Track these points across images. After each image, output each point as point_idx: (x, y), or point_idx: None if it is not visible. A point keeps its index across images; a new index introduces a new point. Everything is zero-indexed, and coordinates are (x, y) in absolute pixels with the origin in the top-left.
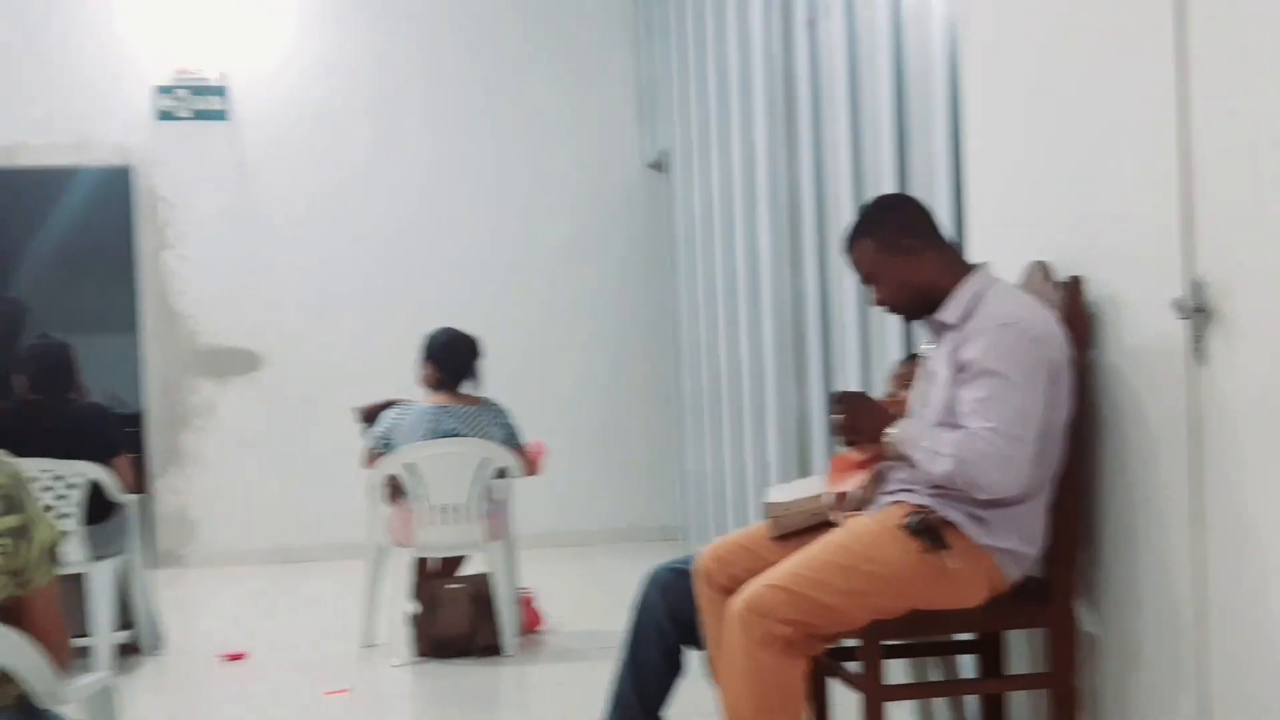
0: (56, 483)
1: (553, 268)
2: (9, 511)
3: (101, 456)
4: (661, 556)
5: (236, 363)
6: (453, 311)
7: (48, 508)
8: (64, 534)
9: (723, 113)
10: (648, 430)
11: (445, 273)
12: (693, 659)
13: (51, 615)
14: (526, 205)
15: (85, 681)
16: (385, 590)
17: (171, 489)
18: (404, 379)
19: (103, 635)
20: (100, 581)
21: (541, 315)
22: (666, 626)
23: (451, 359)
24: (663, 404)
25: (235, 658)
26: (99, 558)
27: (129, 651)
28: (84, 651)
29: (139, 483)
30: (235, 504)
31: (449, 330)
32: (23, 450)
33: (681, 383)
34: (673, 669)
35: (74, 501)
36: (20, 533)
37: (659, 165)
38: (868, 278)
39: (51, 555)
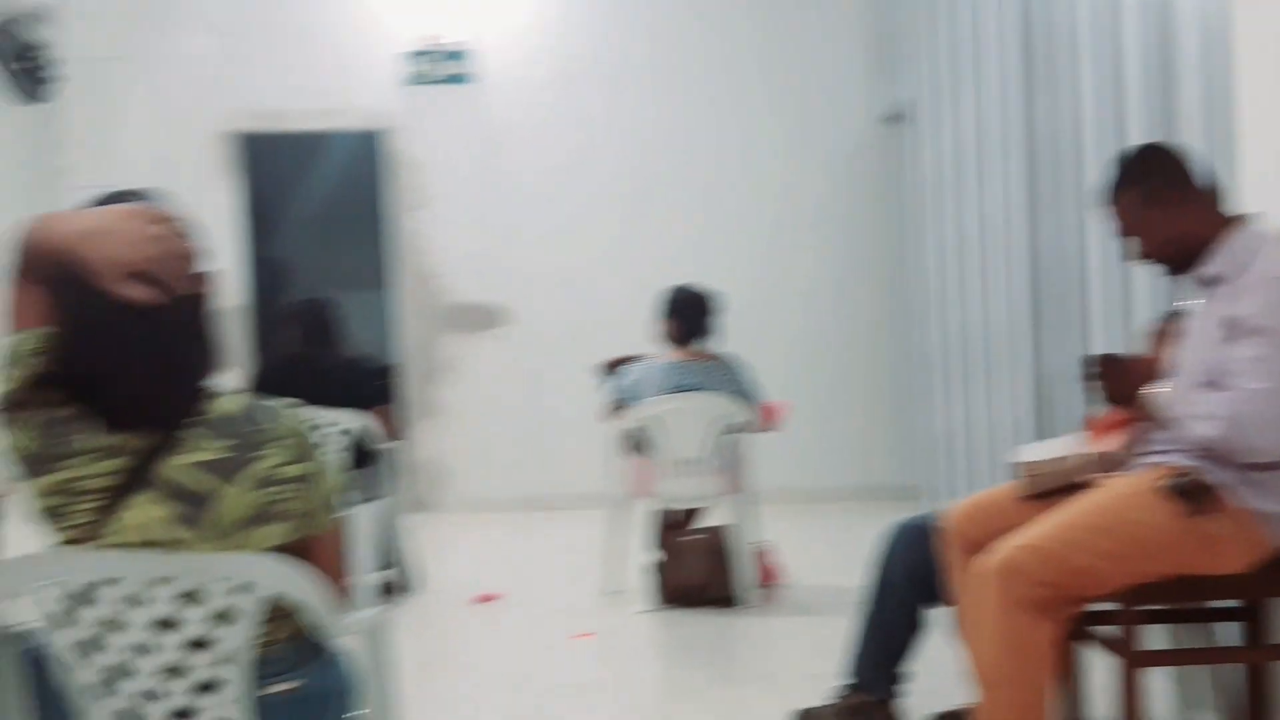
0: (323, 430)
1: (785, 222)
2: (298, 460)
3: (363, 406)
4: (898, 514)
5: (484, 318)
6: (690, 268)
7: None
8: (345, 481)
9: (969, 61)
10: (884, 387)
11: (682, 230)
12: (933, 617)
13: (332, 556)
14: (757, 161)
15: (361, 616)
16: (626, 540)
17: (425, 439)
18: (643, 335)
19: (366, 575)
20: (363, 524)
21: (776, 270)
22: (907, 584)
23: (690, 315)
24: (899, 361)
25: (487, 599)
26: (362, 501)
27: (389, 591)
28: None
29: (396, 432)
30: (484, 453)
31: (687, 286)
32: (293, 400)
33: (919, 339)
34: (913, 626)
35: (340, 448)
36: (307, 480)
37: (895, 118)
38: (1128, 230)
39: (334, 502)
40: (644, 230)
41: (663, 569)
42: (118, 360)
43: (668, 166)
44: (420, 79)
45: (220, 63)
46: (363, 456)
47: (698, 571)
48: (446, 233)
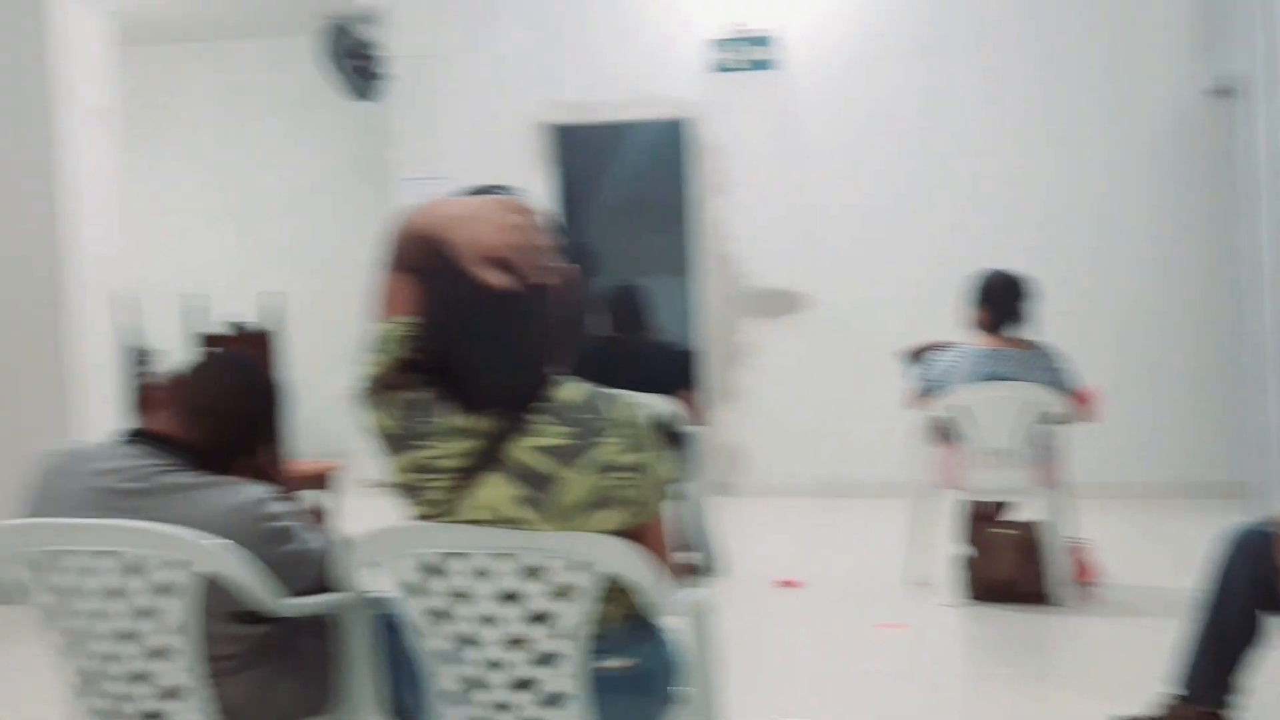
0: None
1: (1104, 202)
2: (632, 449)
3: (672, 391)
4: (1221, 513)
5: (783, 303)
6: (999, 252)
7: None
8: (677, 471)
9: None
10: (1209, 377)
11: (990, 214)
12: (1275, 627)
13: (661, 539)
14: (1074, 140)
15: (688, 595)
16: (932, 530)
17: (726, 423)
18: (947, 321)
19: (675, 555)
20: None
21: (1092, 252)
22: (1249, 591)
23: (1001, 301)
24: (1226, 349)
25: (790, 584)
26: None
27: (689, 572)
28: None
29: (700, 416)
30: (783, 438)
31: (999, 272)
32: (605, 384)
33: (1248, 327)
34: (1253, 636)
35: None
36: (642, 469)
37: (1224, 91)
38: None
39: (665, 489)
40: (951, 213)
41: (971, 563)
42: (477, 347)
43: (977, 147)
44: (725, 66)
45: (534, 57)
46: (670, 440)
47: (1009, 567)
48: (747, 218)
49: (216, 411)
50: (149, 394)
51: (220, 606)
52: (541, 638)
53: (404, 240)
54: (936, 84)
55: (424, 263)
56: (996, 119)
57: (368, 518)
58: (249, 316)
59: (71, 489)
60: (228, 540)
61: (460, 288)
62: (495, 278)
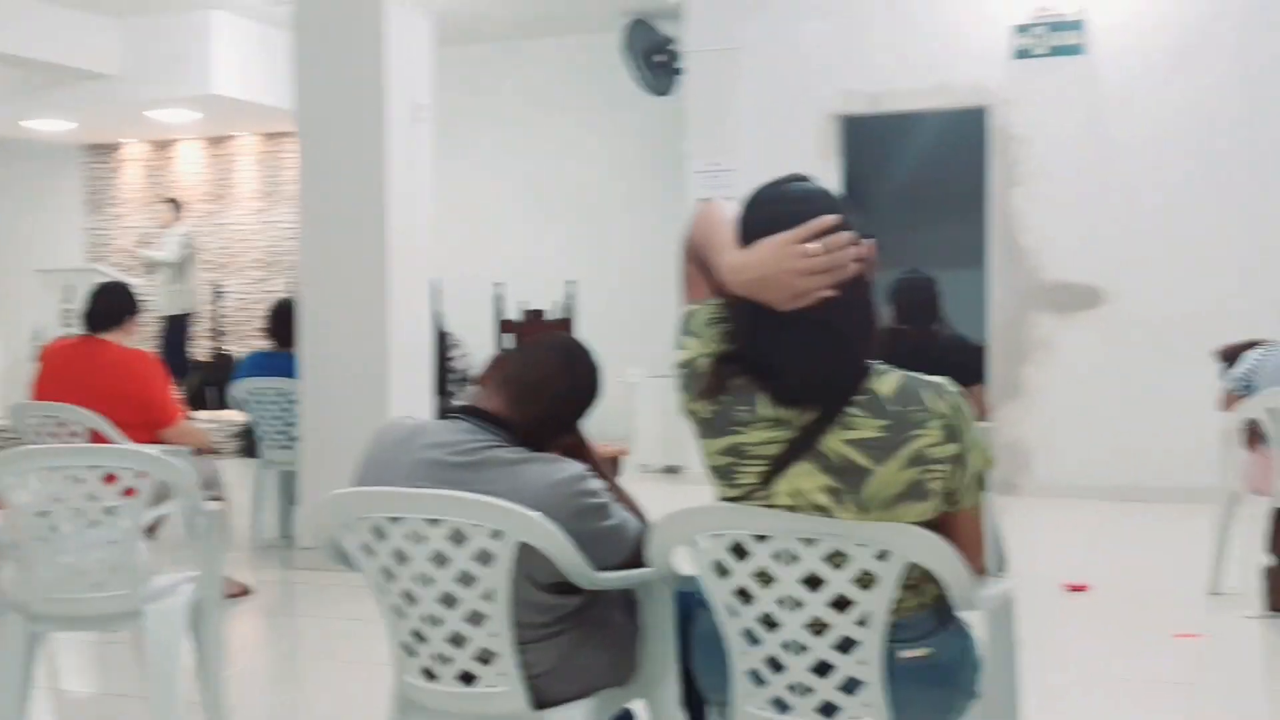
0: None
1: None
2: (949, 440)
3: (961, 384)
4: None
5: (1079, 298)
6: None
7: None
8: (994, 460)
9: None
10: None
11: None
12: None
13: (973, 531)
14: None
15: (992, 590)
16: (1236, 538)
17: (1010, 419)
18: (1262, 321)
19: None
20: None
21: None
22: None
23: None
24: None
25: (1078, 589)
26: None
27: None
28: None
29: (986, 411)
30: (1071, 438)
31: None
32: None
33: None
34: None
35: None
36: (958, 459)
37: None
38: None
39: (981, 480)
40: (1267, 210)
41: (1278, 572)
42: (788, 344)
43: None
44: (1029, 52)
45: (829, 47)
46: None
47: None
48: (1045, 210)
49: (542, 390)
50: (480, 374)
51: (535, 576)
52: (842, 623)
53: (698, 253)
54: (1262, 74)
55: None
56: None
57: (645, 501)
58: (547, 304)
59: (404, 461)
60: (546, 513)
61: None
62: (811, 301)
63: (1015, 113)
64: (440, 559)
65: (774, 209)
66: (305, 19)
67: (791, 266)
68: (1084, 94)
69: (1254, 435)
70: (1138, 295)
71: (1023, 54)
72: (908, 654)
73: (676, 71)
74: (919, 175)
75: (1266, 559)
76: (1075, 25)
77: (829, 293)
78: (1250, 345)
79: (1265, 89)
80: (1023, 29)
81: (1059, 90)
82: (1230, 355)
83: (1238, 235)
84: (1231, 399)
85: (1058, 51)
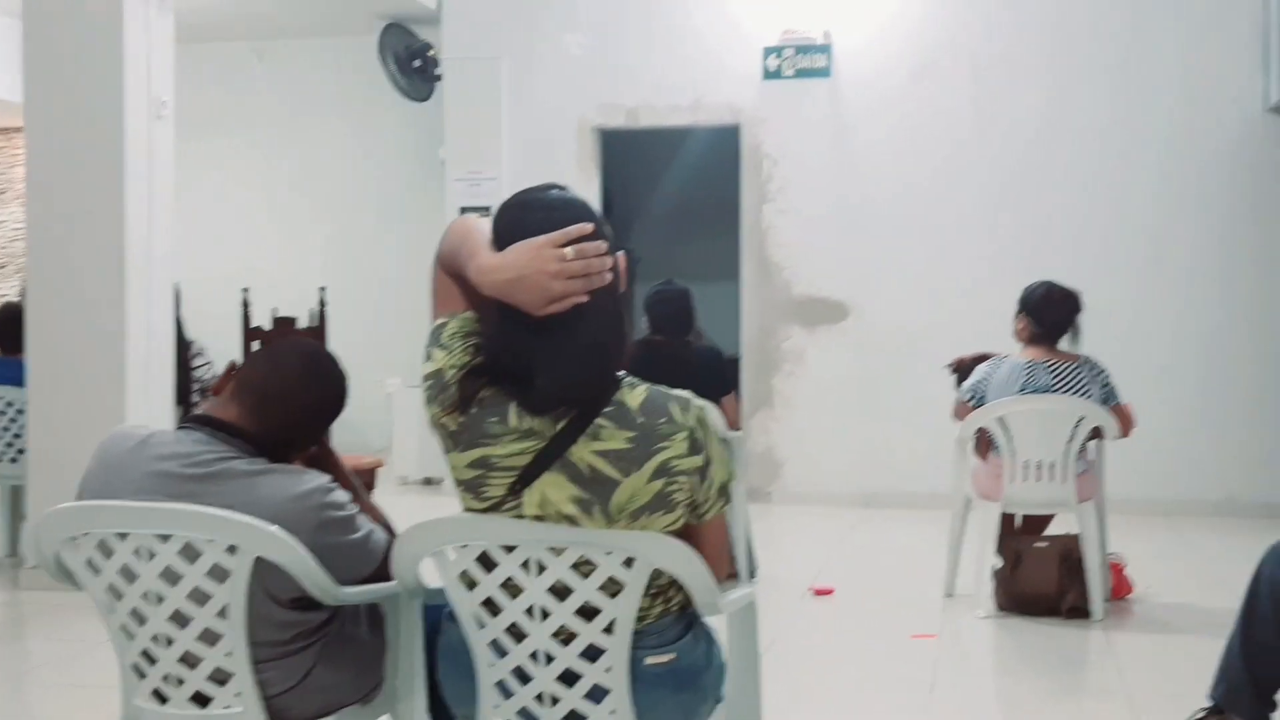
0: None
1: (1161, 220)
2: (693, 452)
3: (714, 395)
4: (1263, 534)
5: (827, 312)
6: (1050, 266)
7: None
8: (736, 473)
9: None
10: (1255, 397)
11: (1040, 226)
12: None
13: (718, 541)
14: (1131, 155)
15: (735, 596)
16: (969, 542)
17: (761, 429)
18: (993, 333)
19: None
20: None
21: (1142, 270)
22: None
23: (1049, 314)
24: (1273, 369)
25: (823, 592)
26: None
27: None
28: None
29: (737, 422)
30: (819, 447)
31: (1047, 284)
32: None
33: None
34: None
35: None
36: (702, 471)
37: None
38: None
39: (724, 491)
40: (1004, 227)
41: (1008, 575)
42: (539, 352)
43: (1032, 162)
44: (778, 73)
45: (588, 60)
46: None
47: (1046, 580)
48: (796, 226)
49: (282, 399)
50: (215, 382)
51: (275, 592)
52: (589, 631)
53: (450, 262)
54: (993, 98)
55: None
56: (1053, 134)
57: (404, 514)
58: (298, 311)
59: (133, 473)
60: (286, 527)
61: (521, 317)
62: (561, 308)
63: (766, 131)
64: (171, 576)
65: (529, 214)
66: (35, 6)
67: (545, 269)
68: (830, 115)
69: (984, 443)
70: (880, 309)
71: (772, 75)
72: (653, 660)
73: (435, 78)
74: (678, 190)
75: (996, 561)
76: (822, 49)
77: (581, 299)
78: (981, 358)
79: (994, 112)
80: (772, 51)
81: (806, 111)
82: (963, 368)
83: (969, 251)
84: (963, 409)
85: (805, 73)
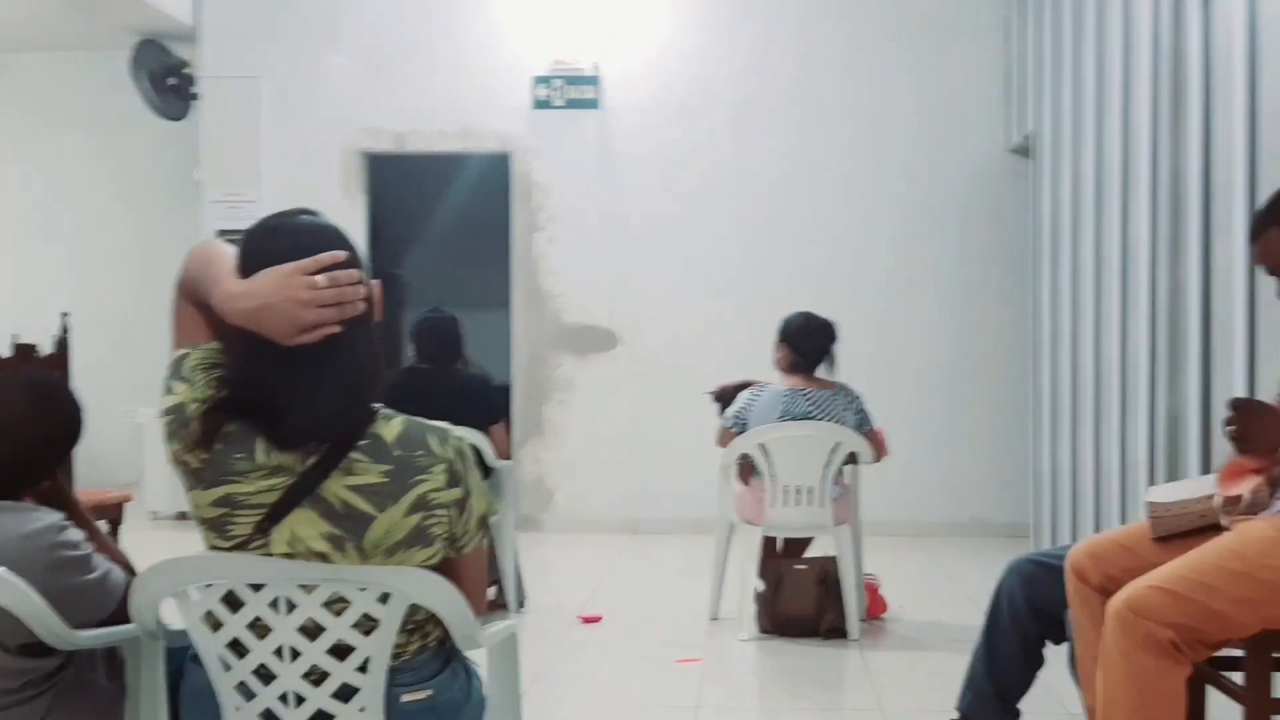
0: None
1: (907, 253)
2: (452, 484)
3: (482, 424)
4: (1007, 552)
5: (597, 341)
6: (806, 296)
7: None
8: (495, 505)
9: (1100, 95)
10: (997, 423)
11: (799, 258)
12: (1052, 654)
13: (477, 573)
14: (882, 192)
15: (495, 629)
16: (733, 566)
17: (533, 457)
18: (756, 362)
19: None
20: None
21: (893, 301)
22: (1027, 619)
23: (807, 343)
24: (1014, 396)
25: (591, 620)
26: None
27: (495, 607)
28: None
29: (507, 450)
30: (589, 475)
31: (805, 314)
32: (411, 415)
33: (1038, 375)
34: (1032, 662)
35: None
36: (460, 504)
37: (1023, 150)
38: (1277, 269)
39: (483, 523)
40: (763, 258)
41: (769, 597)
42: (287, 384)
43: (792, 195)
44: (548, 103)
45: (352, 83)
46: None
47: (805, 601)
48: (566, 255)
49: (11, 433)
50: None
51: (2, 638)
52: (343, 670)
53: (191, 288)
54: (748, 131)
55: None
56: (804, 168)
57: (155, 551)
58: (40, 338)
59: None
60: (14, 568)
61: (267, 347)
62: (310, 339)
63: (537, 160)
64: None
65: (276, 240)
66: None
67: (295, 297)
68: (598, 144)
69: (746, 469)
70: (647, 337)
71: (542, 104)
72: (409, 697)
73: (191, 96)
74: (449, 217)
75: (758, 584)
76: (591, 80)
77: (333, 329)
78: (743, 386)
79: (752, 146)
80: (542, 80)
81: (576, 140)
82: (725, 396)
83: (729, 280)
84: (727, 436)
85: (574, 104)
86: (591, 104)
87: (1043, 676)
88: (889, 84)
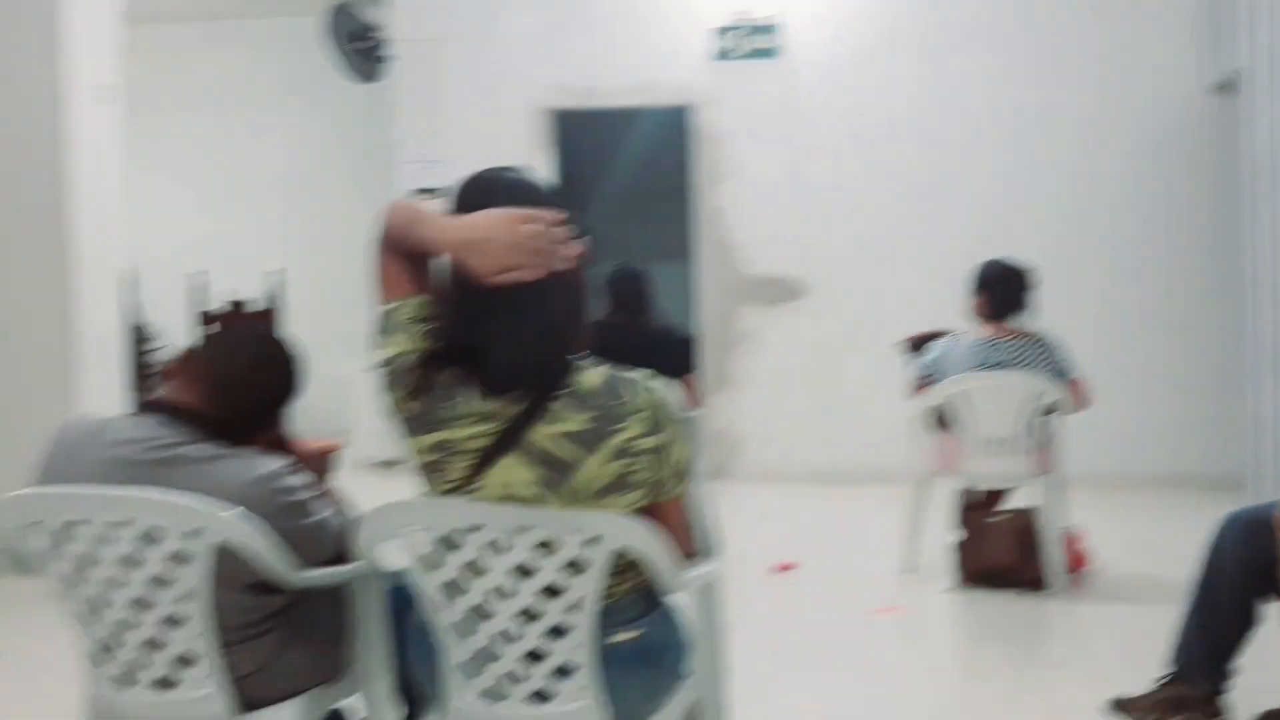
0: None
1: (1103, 197)
2: (652, 432)
3: (673, 375)
4: (1217, 505)
5: (783, 291)
6: (998, 243)
7: None
8: (695, 451)
9: None
10: (1206, 371)
11: (991, 204)
12: (1267, 611)
13: (679, 520)
14: (1075, 133)
15: (698, 573)
16: (927, 517)
17: (720, 408)
18: (946, 310)
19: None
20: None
21: (1093, 247)
22: (1242, 576)
23: (1002, 290)
24: (1225, 343)
25: (785, 569)
26: None
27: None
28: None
29: (698, 401)
30: (778, 425)
31: (1000, 261)
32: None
33: (1248, 321)
34: (1246, 620)
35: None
36: (660, 451)
37: (1225, 87)
38: None
39: (683, 471)
40: (950, 204)
41: (966, 549)
42: (496, 333)
43: (976, 139)
44: (729, 54)
45: (536, 41)
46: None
47: (1003, 553)
48: (748, 206)
49: (237, 384)
50: (167, 367)
51: (235, 576)
52: (553, 610)
53: (396, 235)
54: (937, 76)
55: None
56: (996, 112)
57: (362, 497)
58: (250, 295)
59: (89, 460)
60: (244, 511)
61: (476, 290)
62: (516, 280)
63: (718, 112)
64: (131, 561)
65: (493, 190)
66: None
67: (509, 239)
68: (781, 94)
69: (942, 420)
70: (835, 286)
71: (723, 55)
72: (618, 638)
73: (380, 59)
74: (634, 171)
75: (955, 535)
76: (771, 29)
77: (533, 274)
78: (935, 335)
79: (943, 89)
80: (723, 31)
81: (758, 91)
82: (917, 345)
83: (920, 227)
84: (919, 386)
85: (755, 54)
86: (772, 53)
87: (1259, 635)
88: (1081, 20)
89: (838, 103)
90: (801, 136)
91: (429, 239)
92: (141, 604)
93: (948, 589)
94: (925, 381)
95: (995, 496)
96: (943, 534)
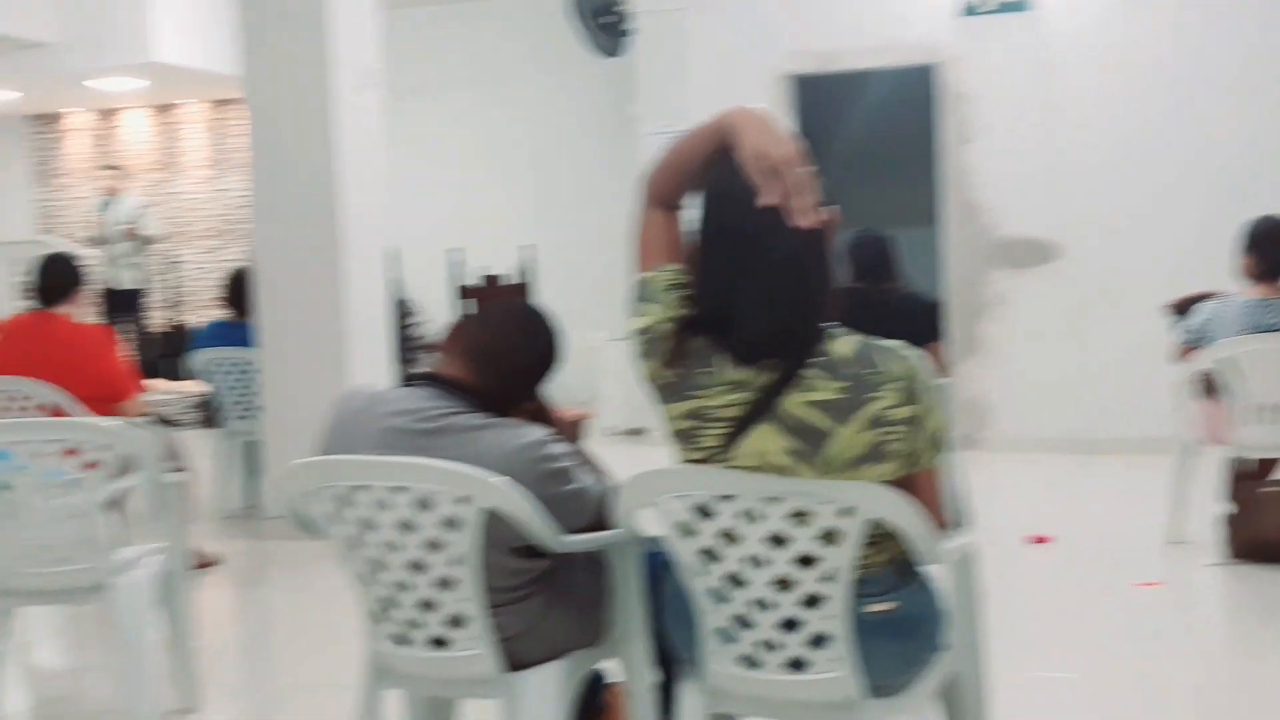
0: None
1: None
2: (906, 402)
3: (921, 341)
4: None
5: (1033, 254)
6: (1262, 200)
7: None
8: (950, 421)
9: None
10: None
11: (1257, 160)
12: None
13: (933, 489)
14: None
15: (955, 544)
16: (1193, 488)
17: (970, 376)
18: (1208, 271)
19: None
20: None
21: None
22: None
23: (1272, 249)
24: None
25: (1040, 541)
26: None
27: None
28: None
29: (945, 368)
30: (1031, 392)
31: (1271, 218)
32: None
33: None
34: None
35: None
36: (915, 421)
37: None
38: None
39: (939, 441)
40: (1214, 160)
41: (1237, 521)
42: (751, 296)
43: (1241, 92)
44: (976, 9)
45: (778, 7)
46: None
47: (1277, 526)
48: (997, 166)
49: (503, 356)
50: (436, 341)
51: (502, 541)
52: (808, 580)
53: (667, 176)
54: (1198, 26)
55: (697, 181)
56: (1260, 62)
57: (617, 464)
58: (505, 269)
59: (368, 429)
60: (510, 478)
61: (736, 215)
62: (774, 193)
63: (964, 70)
64: (407, 526)
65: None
66: None
67: (778, 131)
68: (1031, 50)
69: (1209, 386)
70: (1090, 249)
71: (971, 11)
72: (874, 608)
73: (624, 33)
74: (870, 133)
75: (1222, 507)
76: None
77: (782, 197)
78: (1202, 297)
79: (1203, 40)
80: None
81: (1007, 47)
82: (1183, 307)
83: (1185, 186)
84: (1184, 351)
85: (1005, 8)
86: (1022, 7)
87: None
88: None
89: (1093, 56)
90: (1054, 92)
91: (724, 115)
92: (417, 566)
93: (1216, 563)
94: (1191, 345)
95: (1268, 466)
96: (1209, 506)
